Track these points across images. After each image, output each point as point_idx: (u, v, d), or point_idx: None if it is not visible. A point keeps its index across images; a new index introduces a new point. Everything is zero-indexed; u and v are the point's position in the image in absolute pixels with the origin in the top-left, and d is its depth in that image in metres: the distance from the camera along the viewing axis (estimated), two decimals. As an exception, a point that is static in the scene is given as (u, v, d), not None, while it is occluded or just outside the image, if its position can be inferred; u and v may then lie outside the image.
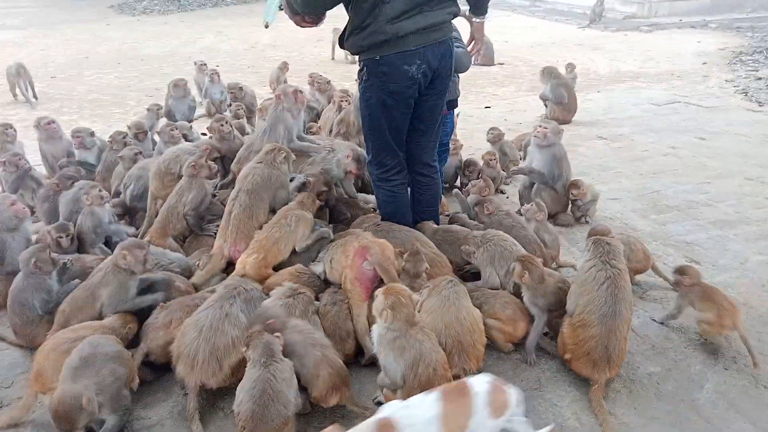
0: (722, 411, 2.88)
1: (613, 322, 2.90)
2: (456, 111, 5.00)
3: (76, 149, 5.58)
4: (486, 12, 3.86)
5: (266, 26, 3.73)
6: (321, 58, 13.06)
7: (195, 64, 9.62)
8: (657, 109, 8.45)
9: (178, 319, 3.12)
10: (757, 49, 12.22)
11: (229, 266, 3.77)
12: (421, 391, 2.46)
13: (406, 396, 2.56)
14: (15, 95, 9.65)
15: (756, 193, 5.40)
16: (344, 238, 3.61)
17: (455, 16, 3.46)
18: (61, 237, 3.97)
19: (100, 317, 3.27)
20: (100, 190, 4.16)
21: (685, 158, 6.42)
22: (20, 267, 3.52)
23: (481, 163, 5.47)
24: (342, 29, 3.54)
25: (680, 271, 3.43)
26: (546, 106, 7.90)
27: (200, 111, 8.74)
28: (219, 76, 8.77)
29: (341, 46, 3.61)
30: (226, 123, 5.02)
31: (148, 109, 7.00)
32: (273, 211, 3.90)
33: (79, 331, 3.01)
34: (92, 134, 5.63)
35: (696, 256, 4.33)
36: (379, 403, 2.73)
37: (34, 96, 9.69)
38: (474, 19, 3.85)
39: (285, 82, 10.10)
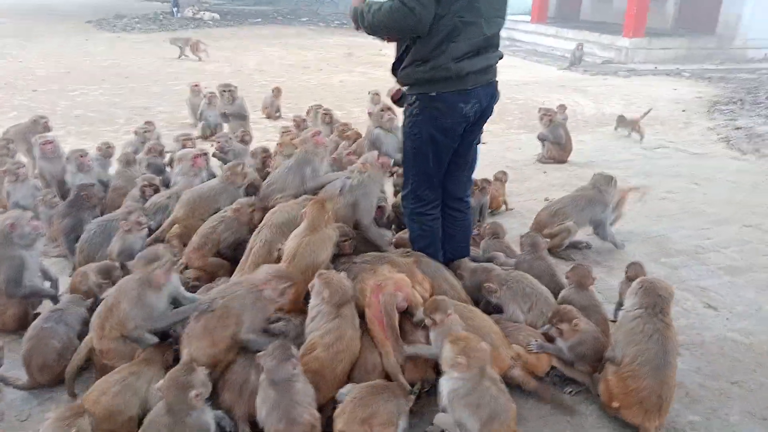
0: (768, 463, 2.88)
1: (665, 373, 2.90)
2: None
3: (75, 172, 5.33)
4: None
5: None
6: (308, 85, 13.08)
7: (189, 86, 9.46)
8: (646, 153, 8.70)
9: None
10: (731, 99, 12.78)
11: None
12: None
13: None
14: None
15: (758, 240, 5.55)
16: (363, 274, 3.44)
17: (501, 59, 3.56)
18: (103, 283, 3.71)
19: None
20: (138, 216, 4.07)
21: (682, 203, 6.59)
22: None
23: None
24: (397, 59, 3.55)
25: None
26: (543, 146, 8.03)
27: (196, 132, 8.58)
28: (213, 100, 8.64)
29: (393, 74, 3.60)
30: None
31: (135, 133, 6.73)
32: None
33: (123, 372, 2.86)
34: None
35: (712, 302, 4.40)
36: None
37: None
38: None
39: (279, 108, 10.09)
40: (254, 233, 3.81)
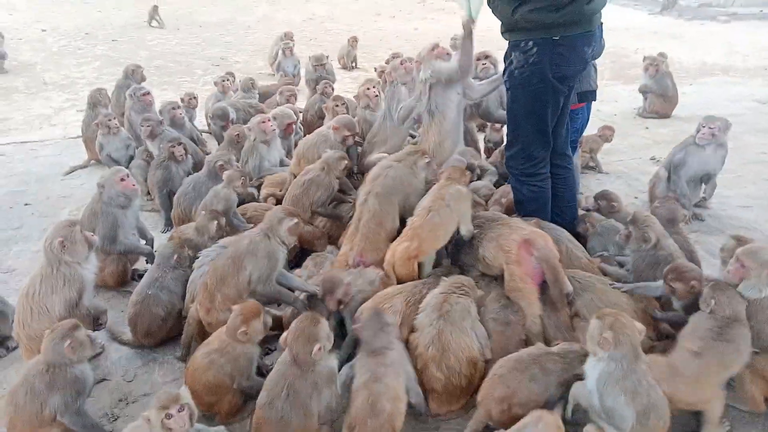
0: None
1: None
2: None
3: (168, 125, 5.19)
4: None
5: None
6: (383, 33, 12.63)
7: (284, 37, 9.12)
8: (760, 107, 7.87)
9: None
10: None
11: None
12: None
13: None
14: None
15: None
16: (495, 231, 3.17)
17: None
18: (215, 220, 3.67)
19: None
20: (242, 176, 3.95)
21: (809, 166, 5.90)
22: (159, 261, 3.37)
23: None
24: None
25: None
26: (645, 98, 7.37)
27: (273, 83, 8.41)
28: (292, 50, 8.42)
29: (513, 13, 3.15)
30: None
31: (216, 84, 6.52)
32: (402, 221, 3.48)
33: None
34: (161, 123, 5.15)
35: None
36: None
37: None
38: None
39: (356, 58, 9.77)
40: (359, 201, 3.56)
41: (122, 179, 3.72)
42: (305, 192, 3.91)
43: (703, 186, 4.72)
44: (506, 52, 3.33)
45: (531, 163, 3.48)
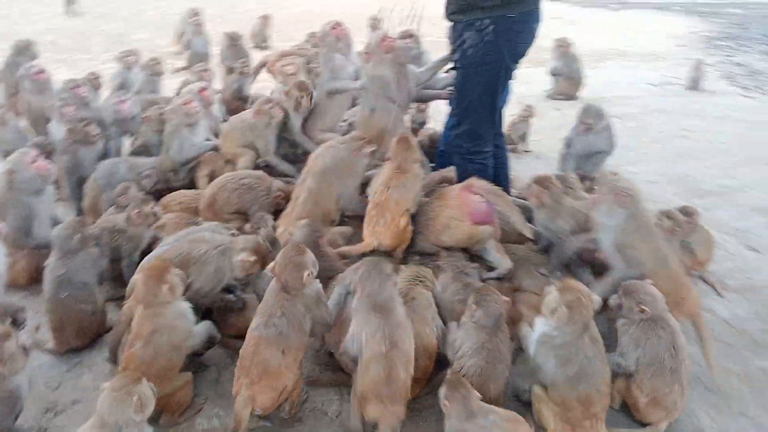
0: None
1: None
2: None
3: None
4: None
5: None
6: (295, 12, 12.30)
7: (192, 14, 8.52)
8: (655, 89, 8.50)
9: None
10: (725, 34, 12.62)
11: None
12: (579, 405, 2.34)
13: (559, 402, 2.40)
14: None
15: (784, 180, 5.49)
16: (435, 197, 3.36)
17: None
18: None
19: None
20: (153, 207, 3.37)
21: (701, 142, 6.46)
22: (58, 250, 2.96)
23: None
24: None
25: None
26: (554, 81, 7.71)
27: (182, 62, 7.96)
28: (203, 27, 7.97)
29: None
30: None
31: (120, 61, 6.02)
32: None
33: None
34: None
35: (752, 244, 4.32)
36: None
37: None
38: None
39: (269, 37, 9.44)
40: (298, 181, 3.46)
41: (34, 161, 3.36)
42: (239, 197, 3.69)
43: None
44: (455, 33, 3.33)
45: (478, 142, 3.54)
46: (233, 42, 6.79)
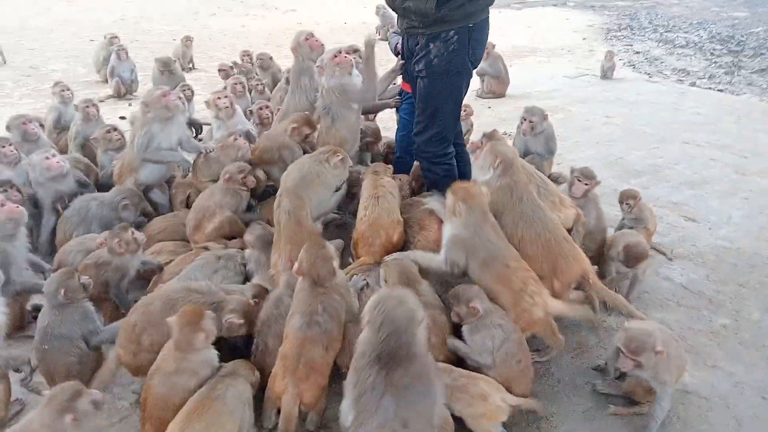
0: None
1: None
2: None
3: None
4: None
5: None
6: (210, 32, 12.08)
7: (105, 38, 8.26)
8: (572, 81, 9.10)
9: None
10: (620, 26, 13.66)
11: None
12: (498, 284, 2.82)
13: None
14: None
15: (700, 154, 6.10)
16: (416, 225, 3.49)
17: None
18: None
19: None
20: (133, 233, 3.31)
21: (623, 126, 7.02)
22: (47, 303, 2.88)
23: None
24: None
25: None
26: (482, 81, 8.09)
27: (107, 91, 7.66)
28: (127, 53, 7.70)
29: (437, 9, 3.30)
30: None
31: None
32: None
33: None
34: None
35: (689, 215, 4.79)
36: None
37: None
38: None
39: (192, 58, 9.27)
40: (275, 205, 3.47)
41: (3, 204, 3.19)
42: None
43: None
44: (420, 45, 3.48)
45: (444, 144, 3.74)
46: (166, 68, 6.59)
